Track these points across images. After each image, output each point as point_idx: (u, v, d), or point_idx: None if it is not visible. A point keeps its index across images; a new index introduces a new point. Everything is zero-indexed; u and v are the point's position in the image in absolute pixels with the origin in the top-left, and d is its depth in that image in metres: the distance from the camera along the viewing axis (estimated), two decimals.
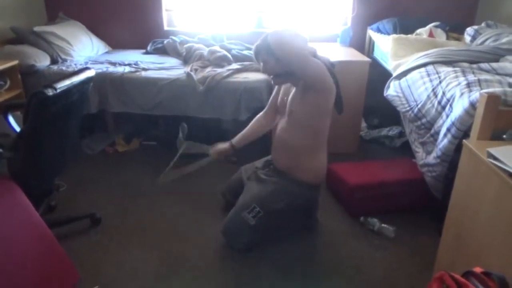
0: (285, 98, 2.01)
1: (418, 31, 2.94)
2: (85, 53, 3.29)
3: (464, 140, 1.53)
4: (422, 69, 2.27)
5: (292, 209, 1.98)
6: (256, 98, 2.73)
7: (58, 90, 1.59)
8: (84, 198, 2.45)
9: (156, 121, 3.30)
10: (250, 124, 2.22)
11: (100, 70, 2.89)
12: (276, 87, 2.14)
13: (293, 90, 1.94)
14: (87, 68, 1.93)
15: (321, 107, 1.86)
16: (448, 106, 1.91)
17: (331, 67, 1.87)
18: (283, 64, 1.82)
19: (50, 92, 1.55)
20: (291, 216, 2.04)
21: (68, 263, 1.71)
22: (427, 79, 2.17)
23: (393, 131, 3.20)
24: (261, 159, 2.25)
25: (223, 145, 2.20)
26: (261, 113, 2.23)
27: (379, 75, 2.96)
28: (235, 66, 2.91)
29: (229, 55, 3.04)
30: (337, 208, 2.38)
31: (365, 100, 2.97)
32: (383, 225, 2.13)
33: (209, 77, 2.72)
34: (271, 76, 1.96)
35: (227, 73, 2.77)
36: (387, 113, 3.31)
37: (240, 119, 2.77)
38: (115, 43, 3.72)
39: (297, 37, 1.79)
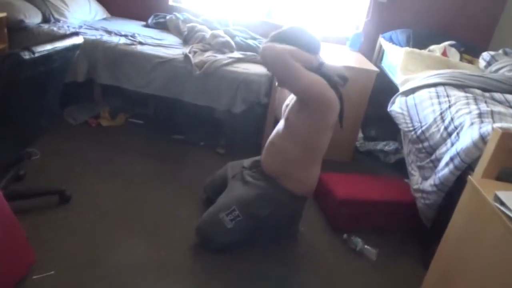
0: (288, 103, 1.89)
1: (432, 47, 2.82)
2: (80, 16, 3.09)
3: (469, 177, 1.42)
4: (432, 89, 2.15)
5: (273, 218, 1.87)
6: (254, 92, 2.58)
7: (37, 55, 1.42)
8: (56, 170, 2.29)
9: (146, 100, 3.13)
10: None
11: (93, 37, 2.70)
12: None
13: (294, 97, 1.81)
14: (75, 34, 1.76)
15: (318, 125, 1.73)
16: (455, 134, 1.80)
17: (343, 81, 1.73)
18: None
19: (26, 55, 1.38)
20: (271, 224, 1.92)
21: (25, 244, 1.57)
22: (436, 101, 2.06)
23: (389, 146, 3.10)
24: (250, 158, 2.12)
25: None
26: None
27: (383, 86, 2.87)
28: (237, 54, 2.75)
29: (232, 42, 2.87)
30: (321, 220, 2.27)
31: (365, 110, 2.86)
32: (366, 246, 2.03)
33: (207, 62, 2.56)
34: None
35: (227, 61, 2.62)
36: (386, 127, 3.21)
37: (234, 111, 2.63)
38: (115, 10, 3.51)
39: (300, 40, 1.66)
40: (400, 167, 2.83)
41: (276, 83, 1.88)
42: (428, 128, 2.00)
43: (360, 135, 3.27)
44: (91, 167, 2.38)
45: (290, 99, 1.92)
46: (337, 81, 1.72)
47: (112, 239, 1.84)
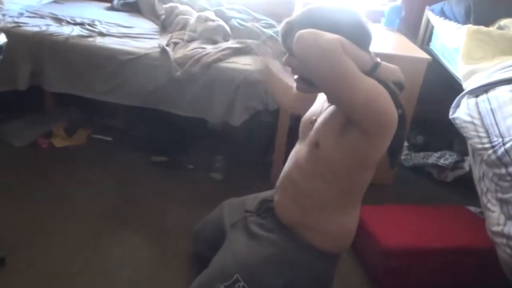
0: (314, 117, 1.52)
1: (503, 22, 2.46)
2: (21, 0, 2.80)
3: None
4: None
5: None
6: (259, 96, 2.32)
7: None
8: None
9: (114, 108, 2.83)
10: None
11: (37, 29, 2.44)
12: None
13: (330, 108, 1.44)
14: None
15: (367, 156, 1.37)
16: None
17: (398, 89, 1.37)
18: (303, 67, 1.36)
19: None
20: None
21: None
22: None
23: (446, 159, 2.79)
24: (256, 195, 1.79)
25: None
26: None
27: (434, 77, 2.57)
28: (233, 44, 2.46)
29: (226, 27, 2.58)
30: (358, 273, 2.00)
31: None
32: None
33: (192, 57, 2.28)
34: (295, 77, 1.48)
35: (221, 54, 2.33)
36: (438, 131, 2.97)
37: (232, 123, 2.36)
38: None
39: (350, 29, 1.30)
40: (460, 187, 2.65)
41: (295, 85, 1.52)
42: None
43: (405, 144, 2.97)
44: (35, 211, 2.10)
45: (317, 110, 1.55)
46: (392, 89, 1.35)
47: None
